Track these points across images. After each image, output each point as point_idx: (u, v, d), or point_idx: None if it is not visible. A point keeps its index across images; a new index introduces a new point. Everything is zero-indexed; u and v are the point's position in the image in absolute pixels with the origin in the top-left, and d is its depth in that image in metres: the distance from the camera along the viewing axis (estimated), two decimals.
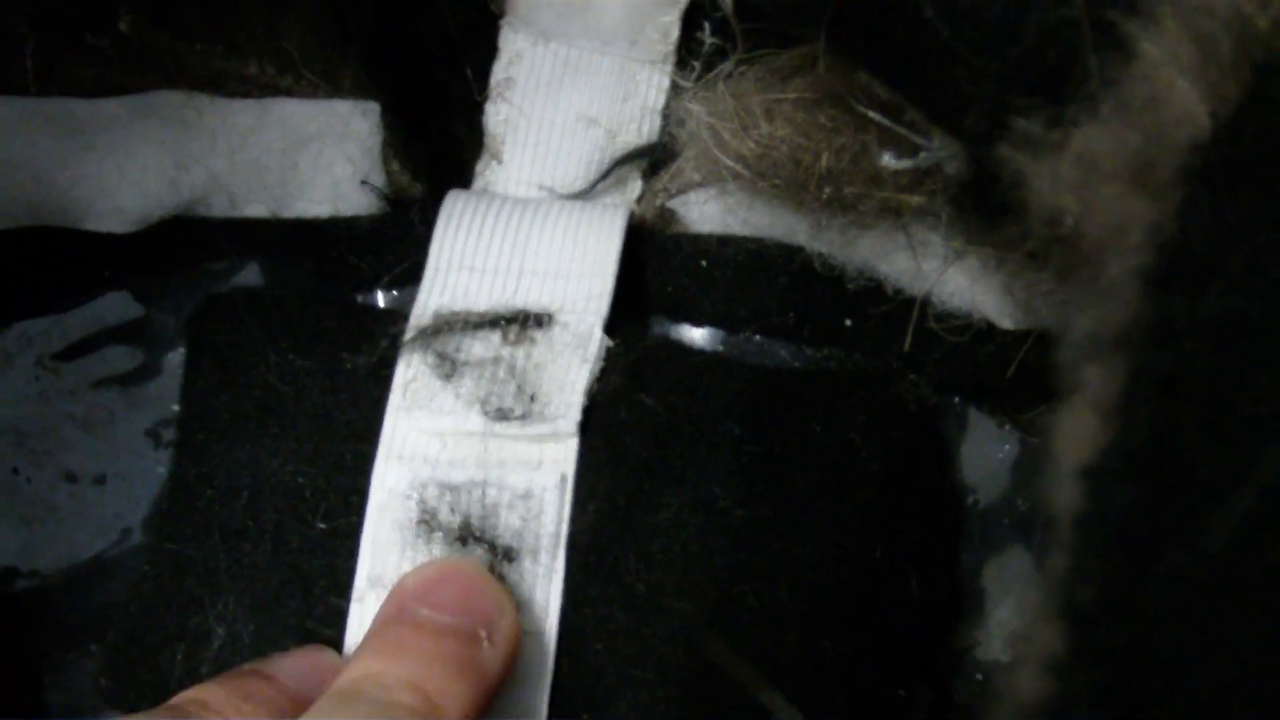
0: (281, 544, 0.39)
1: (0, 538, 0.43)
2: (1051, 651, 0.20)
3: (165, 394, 0.44)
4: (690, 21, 0.43)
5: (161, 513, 0.41)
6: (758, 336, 0.43)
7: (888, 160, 0.34)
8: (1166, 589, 0.19)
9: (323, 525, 0.38)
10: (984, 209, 0.31)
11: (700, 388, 0.39)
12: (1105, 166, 0.24)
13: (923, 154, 0.33)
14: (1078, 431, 0.21)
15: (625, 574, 0.37)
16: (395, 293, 0.43)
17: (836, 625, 0.38)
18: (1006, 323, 0.40)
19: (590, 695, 0.37)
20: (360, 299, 0.44)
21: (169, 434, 0.43)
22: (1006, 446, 0.41)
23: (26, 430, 0.43)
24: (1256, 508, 0.18)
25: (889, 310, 0.41)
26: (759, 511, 0.38)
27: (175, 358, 0.44)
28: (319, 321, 0.42)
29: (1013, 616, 0.36)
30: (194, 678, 0.38)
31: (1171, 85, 0.23)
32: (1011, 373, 0.39)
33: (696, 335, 0.42)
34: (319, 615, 0.38)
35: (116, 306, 0.44)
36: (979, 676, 0.40)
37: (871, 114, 0.34)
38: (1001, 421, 0.41)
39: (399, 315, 0.41)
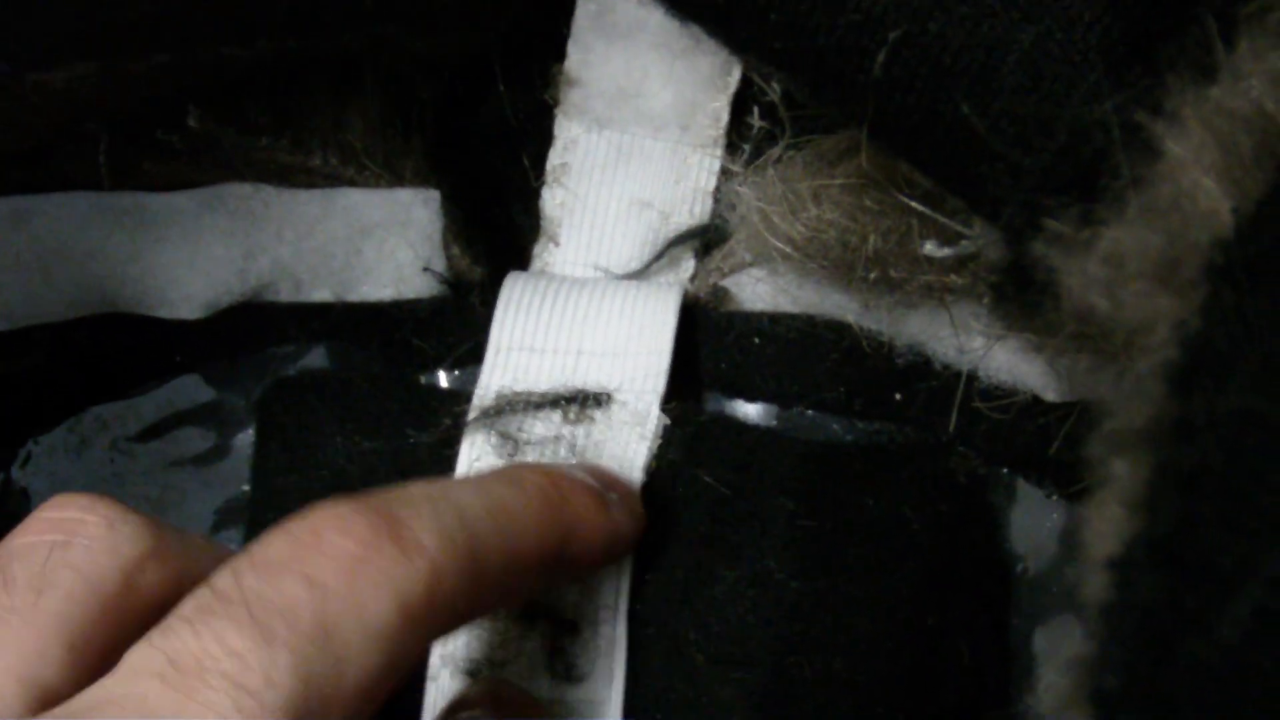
0: None
1: None
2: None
3: (236, 474, 0.45)
4: (739, 107, 0.44)
5: None
6: (810, 411, 0.44)
7: (930, 248, 0.36)
8: (1185, 678, 0.20)
9: None
10: (1023, 295, 0.32)
11: (754, 464, 0.41)
12: (1132, 266, 0.25)
13: (963, 242, 0.35)
14: (1105, 523, 0.22)
15: (685, 646, 0.39)
16: (457, 373, 0.45)
17: (890, 694, 0.39)
18: (1051, 395, 0.41)
19: None
20: (424, 380, 0.45)
21: (240, 513, 0.44)
22: (1054, 516, 0.42)
23: None
24: (1266, 600, 0.19)
25: (937, 385, 0.42)
26: (813, 584, 0.39)
27: (245, 438, 0.45)
28: (384, 403, 0.43)
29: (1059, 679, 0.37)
30: None
31: (1196, 183, 0.25)
32: (1057, 445, 0.40)
33: (750, 410, 0.44)
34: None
35: (188, 390, 0.46)
36: None
37: (913, 203, 0.35)
38: (1049, 492, 0.42)
39: (461, 395, 0.42)
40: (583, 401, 0.40)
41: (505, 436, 0.40)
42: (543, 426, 0.40)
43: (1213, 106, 0.25)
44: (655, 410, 0.40)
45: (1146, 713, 0.20)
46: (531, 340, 0.42)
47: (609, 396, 0.41)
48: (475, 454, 0.40)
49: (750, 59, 0.36)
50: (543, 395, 0.41)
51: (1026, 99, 0.30)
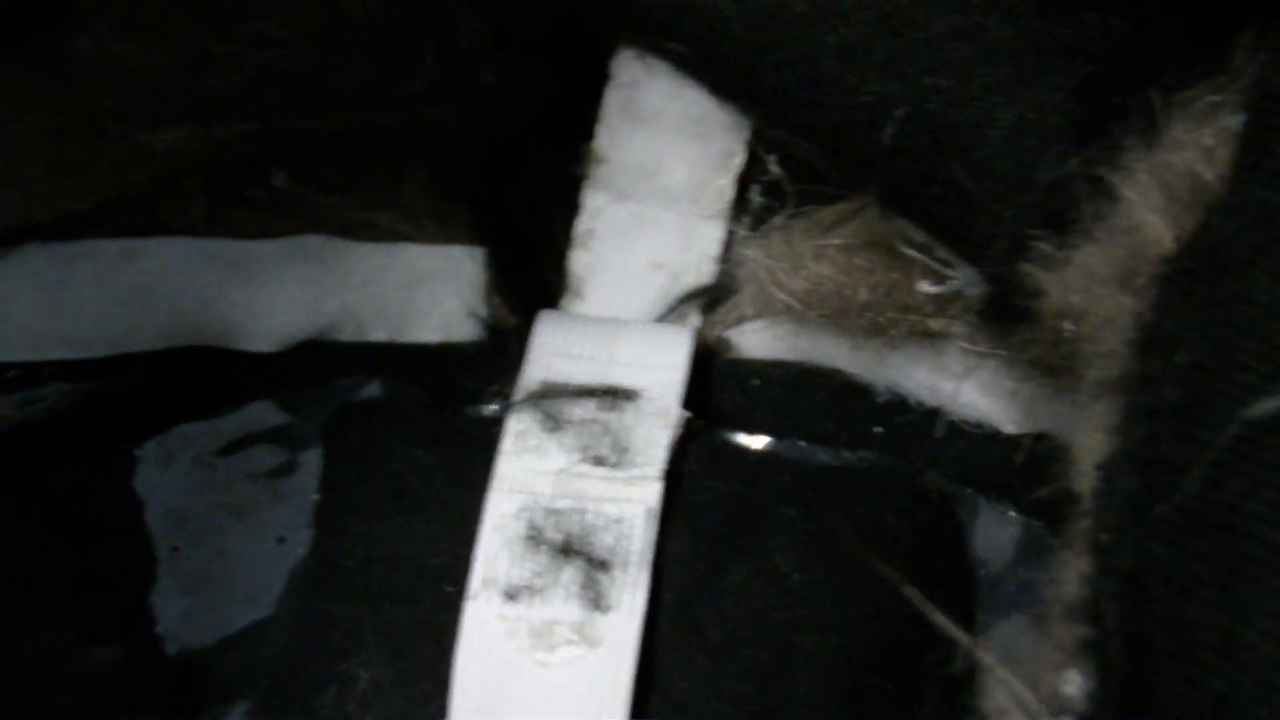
0: (415, 604, 0.47)
1: (163, 606, 0.51)
2: (1082, 573, 0.29)
3: (304, 486, 0.51)
4: (744, 183, 0.52)
5: (307, 580, 0.49)
6: (801, 443, 0.51)
7: (925, 286, 0.44)
8: (1156, 529, 0.28)
9: (450, 588, 0.47)
10: (999, 320, 0.41)
11: (760, 478, 0.49)
12: (1100, 274, 0.33)
13: (950, 281, 0.43)
14: (1092, 442, 0.31)
15: (704, 626, 0.46)
16: (496, 406, 0.52)
17: (879, 664, 0.46)
18: (1010, 428, 0.49)
19: None
20: (466, 410, 0.53)
21: (310, 519, 0.51)
22: (1010, 529, 0.50)
23: (186, 515, 0.51)
24: (1206, 477, 0.28)
25: (912, 419, 0.50)
26: (813, 575, 0.47)
27: (312, 456, 0.51)
28: (437, 425, 0.51)
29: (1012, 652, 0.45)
30: (343, 714, 0.46)
31: (1145, 218, 0.33)
32: (1016, 469, 0.48)
33: (750, 441, 0.52)
34: (450, 658, 0.46)
35: (262, 414, 0.52)
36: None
37: (911, 251, 0.43)
38: (1006, 509, 0.50)
39: (500, 424, 0.49)
40: (614, 395, 0.48)
41: (548, 414, 0.47)
42: (580, 410, 0.47)
43: (1158, 164, 0.33)
44: (675, 407, 0.47)
45: (1130, 554, 0.29)
46: (566, 349, 0.48)
47: (637, 393, 0.48)
48: (521, 427, 0.46)
49: (777, 130, 0.44)
50: (580, 387, 0.48)
51: (1007, 163, 0.38)
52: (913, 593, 0.46)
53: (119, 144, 0.48)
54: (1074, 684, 0.29)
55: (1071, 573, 0.30)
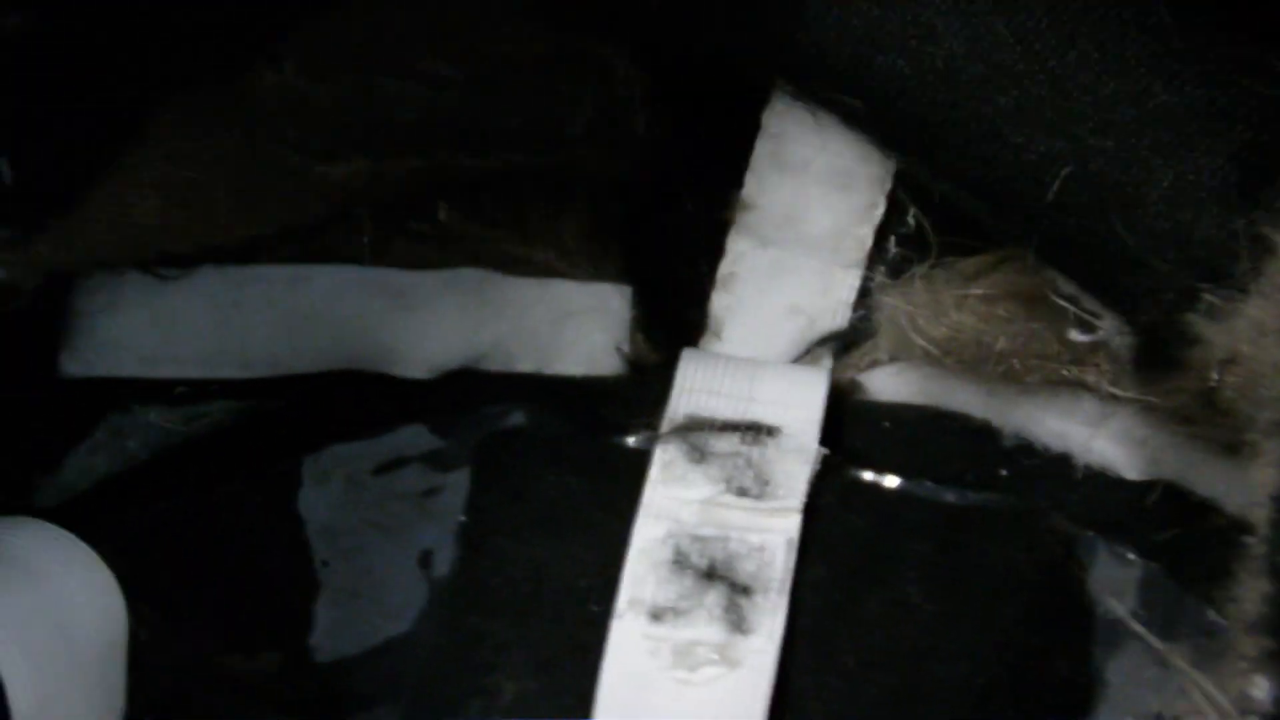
0: (561, 621, 0.49)
1: (312, 618, 0.53)
2: (1263, 593, 0.32)
3: (452, 507, 0.54)
4: (881, 233, 0.55)
5: (453, 596, 0.52)
6: (929, 483, 0.54)
7: (1074, 335, 0.46)
8: None
9: (595, 608, 0.49)
10: (1148, 368, 0.43)
11: (893, 514, 0.51)
12: (1268, 325, 0.36)
13: (1100, 330, 0.46)
14: (1267, 476, 0.33)
15: (839, 652, 0.48)
16: (642, 437, 0.54)
17: (1004, 693, 0.48)
18: (1134, 474, 0.51)
19: None
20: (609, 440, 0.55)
21: (456, 539, 0.54)
22: (1130, 571, 0.51)
23: (337, 531, 0.54)
24: None
25: (1038, 464, 0.52)
26: (944, 608, 0.49)
27: (460, 479, 0.54)
28: (584, 453, 0.53)
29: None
30: None
31: None
32: (1138, 513, 0.50)
33: (881, 479, 0.54)
34: (595, 674, 0.48)
35: (415, 437, 0.54)
36: None
37: (1063, 302, 0.46)
38: (1126, 551, 0.52)
39: (645, 452, 0.51)
40: (756, 430, 0.50)
41: (694, 446, 0.50)
42: (724, 444, 0.49)
43: None
44: (813, 444, 0.49)
45: None
46: (709, 385, 0.51)
47: (778, 430, 0.50)
48: (668, 457, 0.49)
49: (941, 184, 0.47)
50: (724, 422, 0.50)
51: (1166, 222, 0.41)
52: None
53: (296, 175, 0.50)
54: (1262, 689, 0.31)
55: (1252, 592, 0.32)
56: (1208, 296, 0.37)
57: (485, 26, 0.52)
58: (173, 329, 0.53)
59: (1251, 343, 0.35)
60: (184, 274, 0.52)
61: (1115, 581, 0.51)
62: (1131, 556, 0.51)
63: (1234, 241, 0.37)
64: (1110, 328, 0.45)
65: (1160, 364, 0.41)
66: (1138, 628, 0.48)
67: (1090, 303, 0.45)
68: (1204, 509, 0.47)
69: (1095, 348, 0.46)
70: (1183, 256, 0.39)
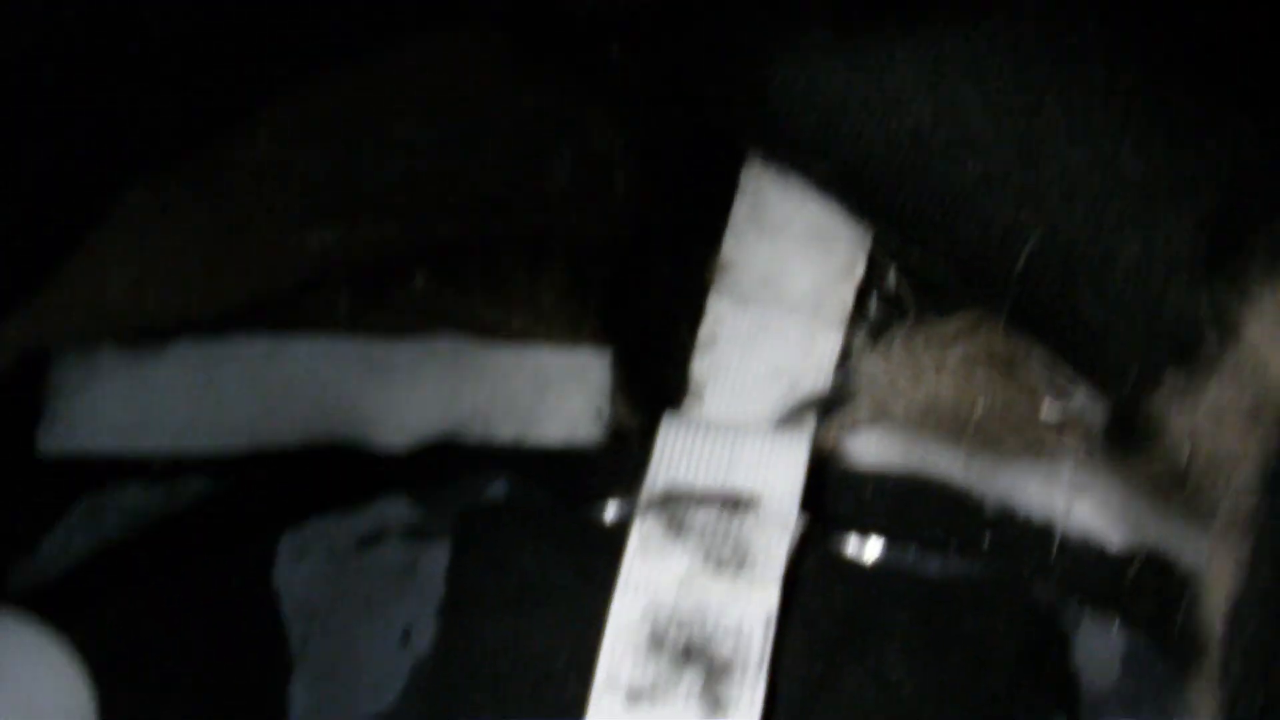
0: (539, 700, 0.49)
1: (294, 697, 0.52)
2: (1216, 703, 0.31)
3: (432, 581, 0.53)
4: (862, 293, 0.54)
5: (432, 676, 0.51)
6: (911, 552, 0.53)
7: (1047, 407, 0.46)
8: None
9: (573, 688, 0.48)
10: (1119, 443, 0.42)
11: (874, 586, 0.50)
12: (1229, 409, 0.35)
13: (1074, 400, 0.45)
14: (1224, 576, 0.32)
15: None
16: (621, 507, 0.54)
17: None
18: (1117, 542, 0.50)
19: None
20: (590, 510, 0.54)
21: (435, 613, 0.53)
22: (1114, 641, 0.51)
23: (317, 608, 0.53)
24: None
25: (1020, 532, 0.51)
26: (925, 680, 0.48)
27: (439, 552, 0.53)
28: (563, 525, 0.52)
29: None
30: None
31: (1271, 357, 0.35)
32: (1122, 584, 0.49)
33: (863, 546, 0.53)
34: None
35: (395, 509, 0.54)
36: None
37: (1033, 369, 0.45)
38: (1110, 621, 0.51)
39: (624, 525, 0.51)
40: (735, 501, 0.49)
41: (673, 519, 0.49)
42: (703, 517, 0.49)
43: None
44: (794, 514, 0.49)
45: (1260, 692, 0.30)
46: (688, 454, 0.51)
47: (758, 499, 0.50)
48: (646, 529, 0.49)
49: (912, 250, 0.46)
50: (703, 493, 0.50)
51: (1135, 294, 0.40)
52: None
53: (271, 244, 0.51)
54: None
55: (1209, 699, 0.31)
56: (1170, 377, 0.36)
57: (462, 89, 0.51)
58: (149, 403, 0.53)
59: (1211, 429, 0.34)
60: (159, 347, 0.51)
61: (1098, 654, 0.50)
62: (1115, 628, 0.50)
63: (1201, 317, 0.36)
64: (1084, 397, 0.44)
65: (1129, 440, 0.40)
66: (1121, 702, 0.47)
67: (1065, 372, 0.44)
68: (1187, 580, 0.46)
69: (1072, 419, 0.45)
70: (1151, 330, 0.39)
